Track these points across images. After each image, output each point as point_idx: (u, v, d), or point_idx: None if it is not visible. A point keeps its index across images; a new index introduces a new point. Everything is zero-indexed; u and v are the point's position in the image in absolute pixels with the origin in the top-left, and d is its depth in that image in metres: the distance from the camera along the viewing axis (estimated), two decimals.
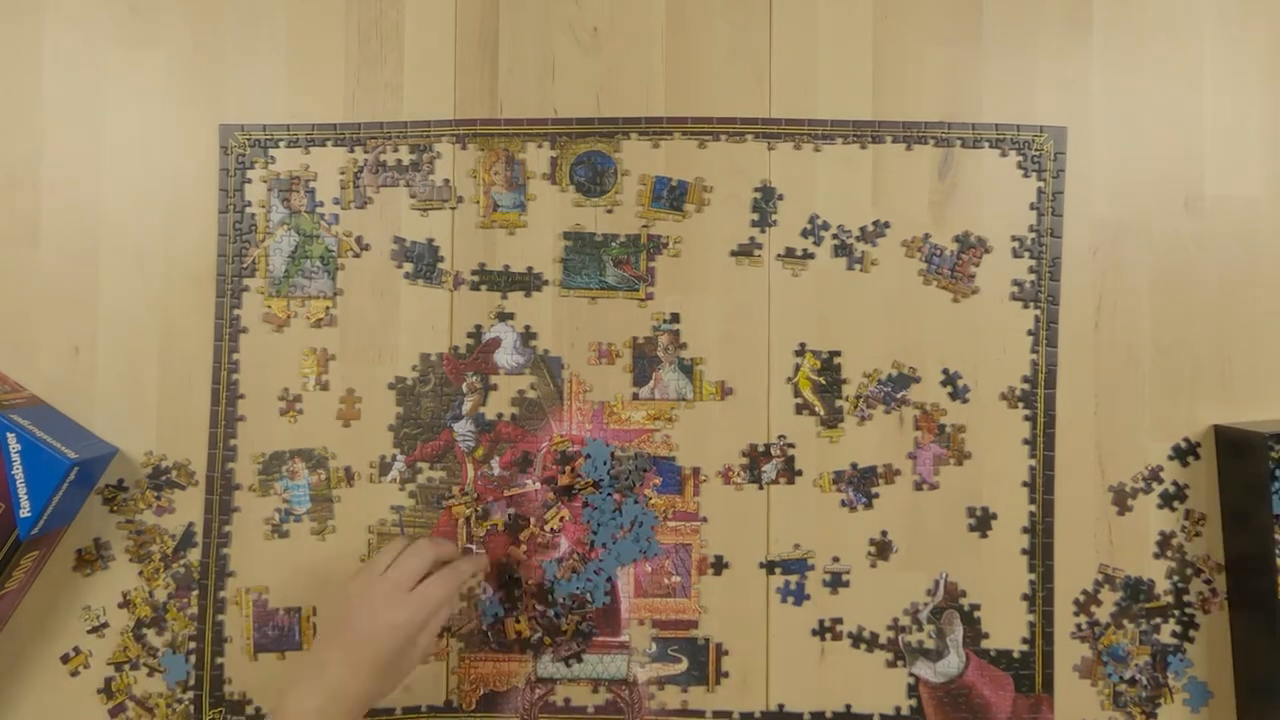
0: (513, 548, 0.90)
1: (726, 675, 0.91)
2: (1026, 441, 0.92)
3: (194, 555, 0.91)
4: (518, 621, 0.91)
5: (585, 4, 0.94)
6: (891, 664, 0.91)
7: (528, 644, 0.91)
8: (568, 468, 0.92)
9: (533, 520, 0.91)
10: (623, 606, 0.91)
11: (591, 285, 0.93)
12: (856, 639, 0.91)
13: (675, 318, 0.92)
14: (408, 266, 0.92)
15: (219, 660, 0.90)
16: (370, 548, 0.91)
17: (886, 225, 0.93)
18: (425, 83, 0.93)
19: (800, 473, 0.92)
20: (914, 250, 0.92)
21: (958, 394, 0.92)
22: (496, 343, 0.92)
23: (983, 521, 0.91)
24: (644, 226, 0.93)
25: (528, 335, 0.92)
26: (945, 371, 0.92)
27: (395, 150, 0.93)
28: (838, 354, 0.92)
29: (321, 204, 0.93)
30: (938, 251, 0.92)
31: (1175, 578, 0.91)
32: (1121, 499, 0.91)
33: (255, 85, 0.93)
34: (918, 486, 0.92)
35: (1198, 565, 0.91)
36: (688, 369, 0.92)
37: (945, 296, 0.92)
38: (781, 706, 0.90)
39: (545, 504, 0.92)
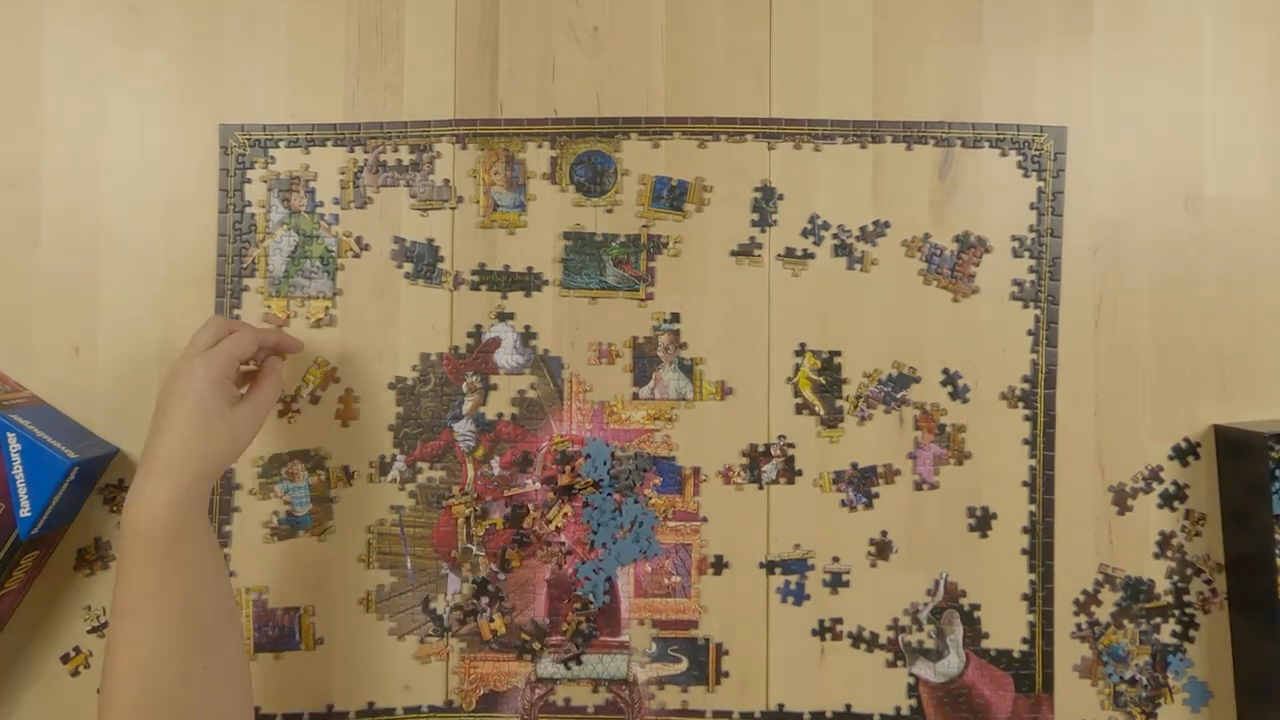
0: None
1: (726, 675, 0.91)
2: (1026, 441, 0.92)
3: None
4: (491, 621, 0.91)
5: (585, 4, 0.94)
6: (891, 664, 0.91)
7: (525, 647, 0.91)
8: (568, 468, 0.92)
9: (531, 506, 0.91)
10: (623, 606, 0.91)
11: (591, 285, 0.93)
12: (856, 639, 0.91)
13: (675, 318, 0.92)
14: (408, 266, 0.92)
15: None
16: (370, 548, 0.91)
17: (886, 225, 0.93)
18: (425, 83, 0.93)
19: (800, 473, 0.92)
20: (914, 250, 0.92)
21: (958, 394, 0.92)
22: (496, 343, 0.92)
23: (983, 521, 0.91)
24: (644, 226, 0.93)
25: (528, 335, 0.92)
26: (945, 371, 0.92)
27: (395, 150, 0.93)
28: (838, 354, 0.92)
29: (321, 204, 0.93)
30: (938, 251, 0.92)
31: (1175, 578, 0.91)
32: (1121, 499, 0.91)
33: (255, 85, 0.93)
34: (918, 486, 0.92)
35: (1198, 565, 0.91)
36: (688, 369, 0.92)
37: (945, 296, 0.92)
38: (781, 706, 0.90)
39: (545, 504, 0.92)
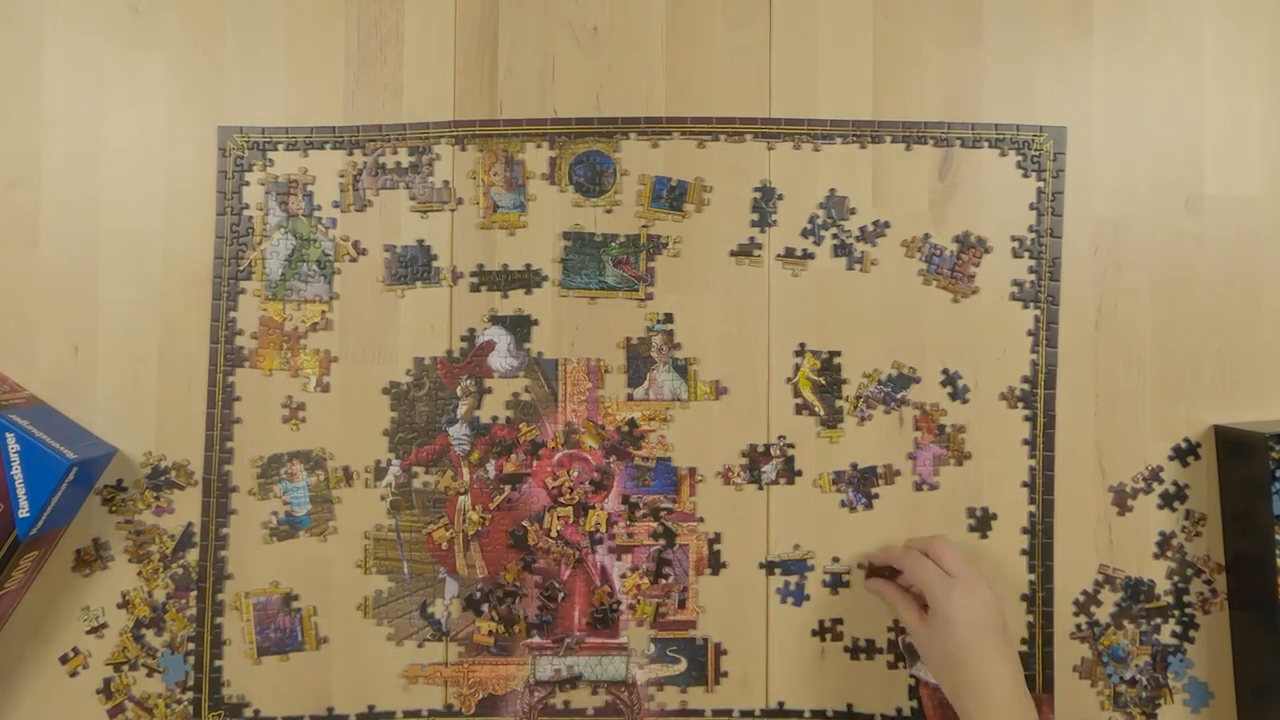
0: None
1: (725, 675, 0.91)
2: (1026, 441, 0.91)
3: (193, 556, 0.91)
4: (494, 619, 0.91)
5: (585, 4, 0.94)
6: (892, 665, 0.91)
7: (503, 643, 0.91)
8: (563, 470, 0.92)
9: (527, 523, 0.91)
10: (621, 606, 0.91)
11: (591, 285, 0.93)
12: (854, 651, 0.91)
13: (669, 318, 0.92)
14: (404, 270, 0.92)
15: (217, 663, 0.90)
16: (367, 553, 0.91)
17: (886, 225, 0.92)
18: (425, 83, 0.93)
19: (800, 473, 0.92)
20: (914, 250, 0.92)
21: (958, 394, 0.92)
22: (490, 346, 0.92)
23: (983, 521, 0.91)
24: (644, 226, 0.93)
25: (524, 335, 0.92)
26: (945, 371, 0.92)
27: (394, 152, 0.93)
28: (838, 354, 0.92)
29: (319, 207, 0.92)
30: (938, 251, 0.92)
31: (1175, 578, 0.91)
32: (1121, 499, 0.91)
33: (254, 86, 0.93)
34: (918, 487, 0.91)
35: (1198, 565, 0.91)
36: (682, 369, 0.92)
37: (945, 296, 0.92)
38: (782, 704, 0.90)
39: (538, 514, 0.91)
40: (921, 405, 0.92)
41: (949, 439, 0.92)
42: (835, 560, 0.91)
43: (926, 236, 0.92)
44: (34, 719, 0.89)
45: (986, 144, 0.93)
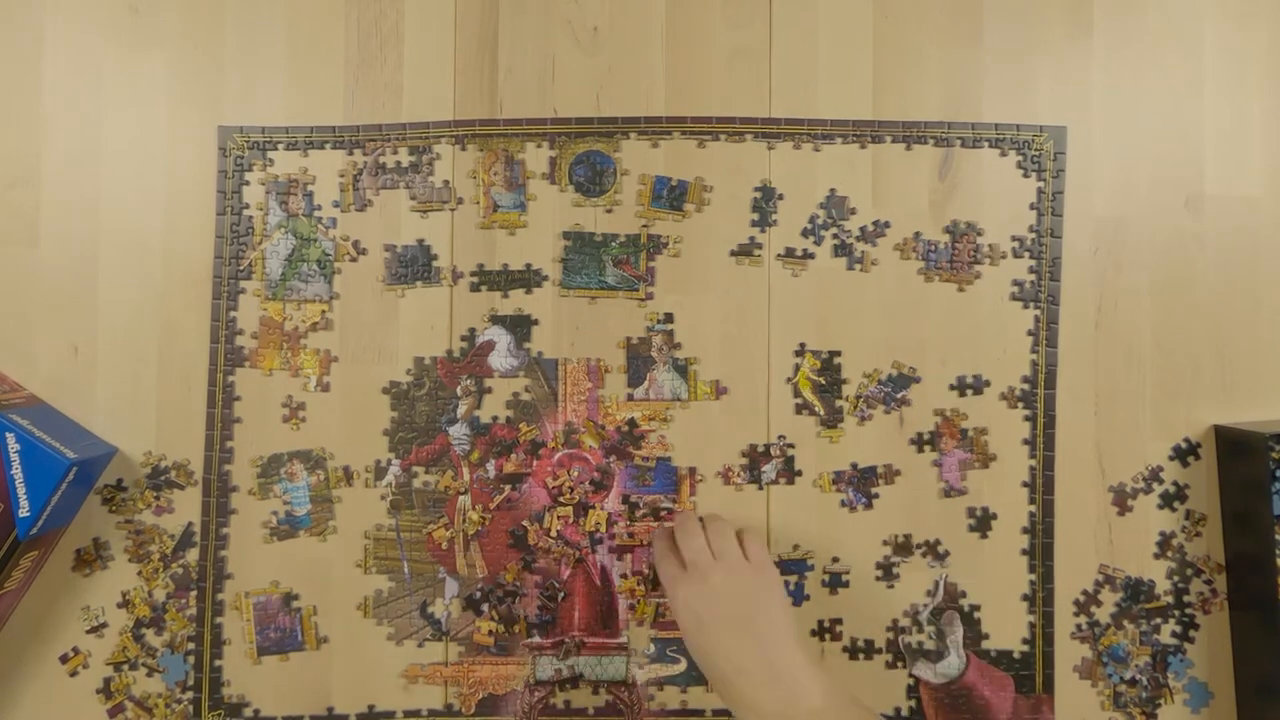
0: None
1: None
2: (1026, 441, 0.91)
3: (193, 556, 0.90)
4: (494, 619, 0.91)
5: (585, 4, 0.94)
6: (891, 665, 0.91)
7: (504, 646, 0.91)
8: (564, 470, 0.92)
9: (527, 523, 0.91)
10: (620, 606, 0.91)
11: (591, 285, 0.93)
12: (853, 651, 0.91)
13: (669, 318, 0.92)
14: (404, 270, 0.92)
15: (217, 663, 0.90)
16: (367, 553, 0.91)
17: (886, 225, 0.92)
18: (425, 83, 0.93)
19: (800, 473, 0.92)
20: (909, 252, 0.92)
21: (960, 394, 0.92)
22: (490, 345, 0.92)
23: (983, 521, 0.91)
24: (644, 226, 0.93)
25: (524, 335, 0.92)
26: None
27: (394, 152, 0.93)
28: (838, 354, 0.92)
29: (320, 207, 0.92)
30: (932, 247, 0.92)
31: (1175, 578, 0.91)
32: (1122, 499, 0.91)
33: (254, 86, 0.93)
34: (946, 493, 0.91)
35: (1198, 565, 0.91)
36: (682, 369, 0.92)
37: (948, 290, 0.92)
38: None
39: (538, 513, 0.91)
40: (942, 412, 0.92)
41: (971, 443, 0.91)
42: (835, 560, 0.91)
43: (917, 234, 0.92)
44: (34, 719, 0.89)
45: (986, 144, 0.93)
